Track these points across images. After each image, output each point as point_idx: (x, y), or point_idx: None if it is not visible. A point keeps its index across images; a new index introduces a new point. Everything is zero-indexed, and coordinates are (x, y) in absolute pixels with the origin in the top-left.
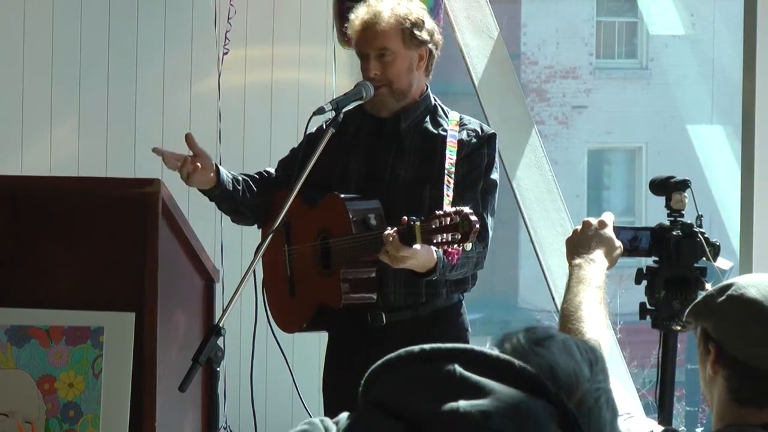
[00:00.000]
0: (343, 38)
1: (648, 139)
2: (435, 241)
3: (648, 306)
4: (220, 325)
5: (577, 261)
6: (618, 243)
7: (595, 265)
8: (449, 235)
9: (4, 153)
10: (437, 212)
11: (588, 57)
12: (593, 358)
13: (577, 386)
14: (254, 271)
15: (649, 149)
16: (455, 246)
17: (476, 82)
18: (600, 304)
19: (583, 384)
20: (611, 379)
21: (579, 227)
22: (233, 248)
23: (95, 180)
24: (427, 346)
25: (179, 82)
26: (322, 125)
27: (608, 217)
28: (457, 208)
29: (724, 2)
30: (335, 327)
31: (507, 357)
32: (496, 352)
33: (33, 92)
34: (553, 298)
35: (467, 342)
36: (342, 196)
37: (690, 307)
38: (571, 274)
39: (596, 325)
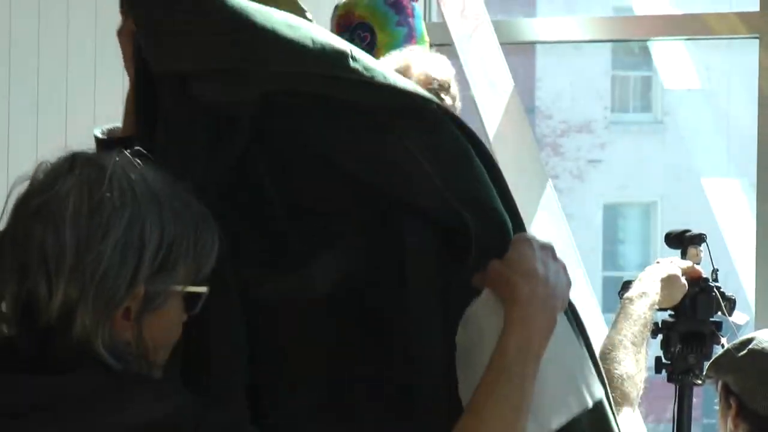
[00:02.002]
0: None
1: (663, 193)
2: None
3: (663, 360)
4: None
5: (630, 294)
6: (683, 283)
7: (645, 299)
8: None
9: None
10: None
11: (603, 111)
12: None
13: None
14: None
15: (664, 203)
16: None
17: (490, 137)
18: (641, 345)
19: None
20: None
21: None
22: None
23: None
24: None
25: None
26: None
27: (681, 263)
28: None
29: (738, 56)
30: None
31: None
32: None
33: (19, 116)
34: None
35: None
36: None
37: (711, 361)
38: (620, 307)
39: (629, 368)
